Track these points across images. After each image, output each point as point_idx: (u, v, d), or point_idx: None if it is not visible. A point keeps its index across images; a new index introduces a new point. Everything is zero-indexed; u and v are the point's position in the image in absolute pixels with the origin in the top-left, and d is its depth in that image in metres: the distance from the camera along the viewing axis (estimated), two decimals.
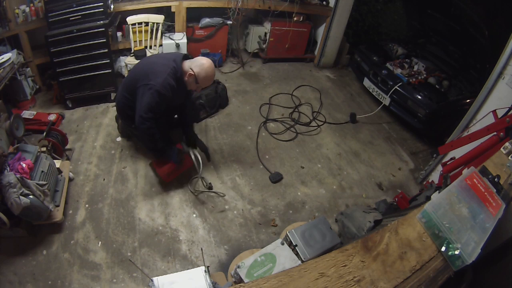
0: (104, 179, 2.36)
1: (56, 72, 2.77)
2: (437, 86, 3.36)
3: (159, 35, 3.25)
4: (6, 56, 2.43)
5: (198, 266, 1.23)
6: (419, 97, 3.15)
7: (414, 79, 3.39)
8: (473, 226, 1.02)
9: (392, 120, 3.63)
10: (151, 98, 2.00)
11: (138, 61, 2.77)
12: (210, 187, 2.36)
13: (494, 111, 1.84)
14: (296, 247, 1.42)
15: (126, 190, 2.31)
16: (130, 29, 3.14)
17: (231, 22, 3.76)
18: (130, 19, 3.07)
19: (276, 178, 2.57)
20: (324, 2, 4.09)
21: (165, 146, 2.23)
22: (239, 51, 4.14)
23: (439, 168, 2.42)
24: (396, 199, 2.34)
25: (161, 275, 1.12)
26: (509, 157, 1.43)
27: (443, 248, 0.97)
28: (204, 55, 3.74)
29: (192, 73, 2.09)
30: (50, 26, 2.68)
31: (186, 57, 2.20)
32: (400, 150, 3.21)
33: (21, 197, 1.62)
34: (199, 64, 2.09)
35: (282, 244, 1.44)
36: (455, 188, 1.11)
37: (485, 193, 1.13)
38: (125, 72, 3.25)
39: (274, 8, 3.76)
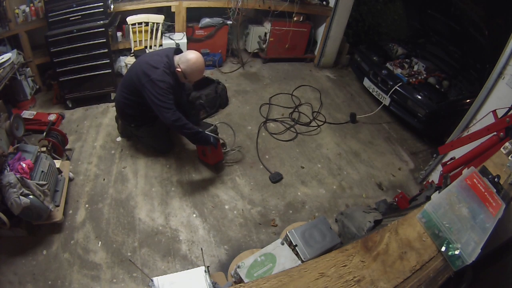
0: (104, 179, 2.36)
1: (56, 72, 2.77)
2: (437, 86, 3.35)
3: (159, 35, 3.25)
4: (6, 56, 2.43)
5: (198, 266, 1.23)
6: (419, 97, 3.15)
7: (414, 79, 3.39)
8: (473, 226, 1.01)
9: (392, 120, 3.63)
10: (160, 88, 2.04)
11: None
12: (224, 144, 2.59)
13: (494, 111, 1.84)
14: (296, 247, 1.42)
15: (126, 190, 2.31)
16: (130, 29, 3.14)
17: (231, 22, 3.75)
18: (130, 19, 3.07)
19: (276, 178, 2.57)
20: (324, 2, 4.09)
21: (202, 132, 2.27)
22: (239, 51, 4.14)
23: (439, 168, 2.42)
24: (396, 199, 2.33)
25: (161, 275, 1.13)
26: (509, 157, 1.43)
27: (443, 248, 0.97)
28: (204, 55, 3.74)
29: (179, 69, 2.13)
30: (50, 26, 2.68)
31: (178, 51, 2.23)
32: (400, 150, 3.21)
33: (21, 197, 1.62)
34: (185, 61, 2.12)
35: (282, 244, 1.44)
36: (455, 188, 1.11)
37: (485, 193, 1.13)
38: (124, 72, 3.25)
39: (274, 8, 3.76)
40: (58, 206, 1.94)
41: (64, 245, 1.91)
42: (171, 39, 3.48)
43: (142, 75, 2.07)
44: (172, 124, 2.09)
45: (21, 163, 1.74)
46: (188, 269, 1.31)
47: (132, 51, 3.18)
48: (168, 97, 2.07)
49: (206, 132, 2.31)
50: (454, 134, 2.51)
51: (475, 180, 1.16)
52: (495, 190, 1.17)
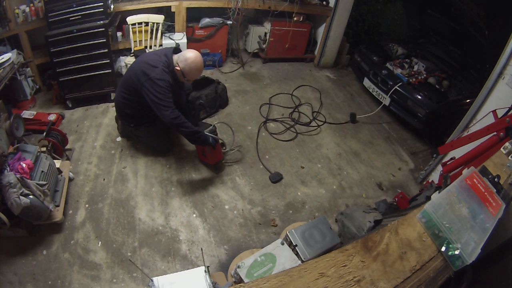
0: (104, 179, 2.36)
1: (56, 72, 2.77)
2: (437, 86, 3.36)
3: (159, 35, 3.25)
4: (6, 56, 2.42)
5: (198, 266, 1.23)
6: (419, 97, 3.15)
7: (414, 79, 3.39)
8: (473, 226, 1.01)
9: (392, 120, 3.63)
10: (159, 87, 2.05)
11: None
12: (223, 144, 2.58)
13: (494, 111, 1.84)
14: (296, 247, 1.42)
15: (126, 190, 2.31)
16: (130, 29, 3.14)
17: (231, 22, 3.75)
18: (130, 19, 3.07)
19: (276, 178, 2.57)
20: (324, 2, 4.09)
21: (200, 131, 2.26)
22: (239, 51, 4.14)
23: (439, 168, 2.42)
24: (396, 199, 2.34)
25: (161, 275, 1.12)
26: (509, 157, 1.43)
27: (443, 248, 0.97)
28: (204, 55, 3.74)
29: (178, 68, 2.15)
30: (50, 26, 2.68)
31: (177, 50, 2.25)
32: (400, 150, 3.21)
33: (21, 197, 1.62)
34: (183, 59, 2.13)
35: (282, 244, 1.44)
36: (455, 188, 1.11)
37: (485, 193, 1.13)
38: (124, 72, 3.24)
39: (274, 8, 3.76)
40: (58, 206, 1.94)
41: (64, 245, 1.91)
42: (171, 39, 3.48)
43: (141, 74, 2.08)
44: (170, 122, 2.10)
45: (21, 163, 1.74)
46: (188, 269, 1.31)
47: (132, 51, 3.18)
48: (167, 96, 2.08)
49: (205, 132, 2.31)
50: (454, 134, 2.51)
51: (475, 180, 1.16)
52: (495, 190, 1.16)
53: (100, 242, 1.96)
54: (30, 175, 1.75)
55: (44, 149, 2.18)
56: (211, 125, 2.54)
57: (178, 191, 2.37)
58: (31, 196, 1.68)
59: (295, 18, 3.93)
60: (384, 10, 5.19)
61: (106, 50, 2.85)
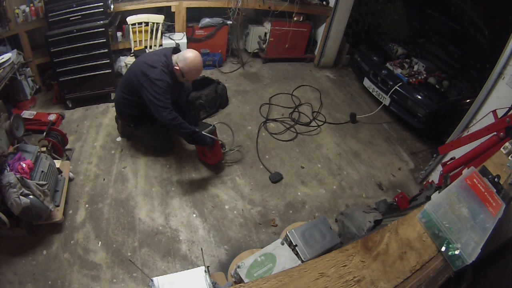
0: (104, 179, 2.36)
1: (56, 72, 2.77)
2: (437, 86, 3.35)
3: (159, 35, 3.25)
4: (6, 56, 2.43)
5: (198, 266, 1.23)
6: (419, 97, 3.15)
7: (414, 79, 3.39)
8: (473, 226, 1.01)
9: (392, 120, 3.63)
10: (158, 87, 2.05)
11: None
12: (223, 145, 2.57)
13: (494, 111, 1.84)
14: (296, 247, 1.42)
15: (126, 190, 2.31)
16: (130, 29, 3.14)
17: (231, 22, 3.76)
18: (130, 19, 3.07)
19: (276, 178, 2.57)
20: (324, 2, 4.09)
21: (198, 132, 2.26)
22: (239, 51, 4.14)
23: (439, 168, 2.42)
24: (396, 199, 2.33)
25: (161, 275, 1.13)
26: (509, 157, 1.43)
27: (443, 248, 0.97)
28: (204, 55, 3.75)
29: (177, 68, 2.14)
30: (50, 26, 2.68)
31: (176, 50, 2.25)
32: (400, 150, 3.21)
33: (21, 197, 1.62)
34: (183, 59, 2.13)
35: (282, 244, 1.44)
36: (455, 188, 1.11)
37: (485, 193, 1.13)
38: (124, 72, 3.24)
39: (274, 8, 3.76)
40: (58, 206, 1.94)
41: (64, 245, 1.91)
42: (171, 39, 3.48)
43: (141, 74, 2.08)
44: (168, 123, 2.10)
45: (21, 163, 1.74)
46: (188, 269, 1.31)
47: (132, 51, 3.19)
48: (166, 97, 2.08)
49: (202, 132, 2.31)
50: (454, 134, 2.51)
51: (475, 180, 1.16)
52: (495, 190, 1.16)
53: (100, 242, 1.96)
54: (30, 175, 1.75)
55: (44, 149, 2.18)
56: (211, 125, 2.54)
57: (178, 191, 2.37)
58: (31, 196, 1.68)
59: (295, 18, 3.93)
60: (384, 10, 5.19)
61: (106, 50, 2.85)
